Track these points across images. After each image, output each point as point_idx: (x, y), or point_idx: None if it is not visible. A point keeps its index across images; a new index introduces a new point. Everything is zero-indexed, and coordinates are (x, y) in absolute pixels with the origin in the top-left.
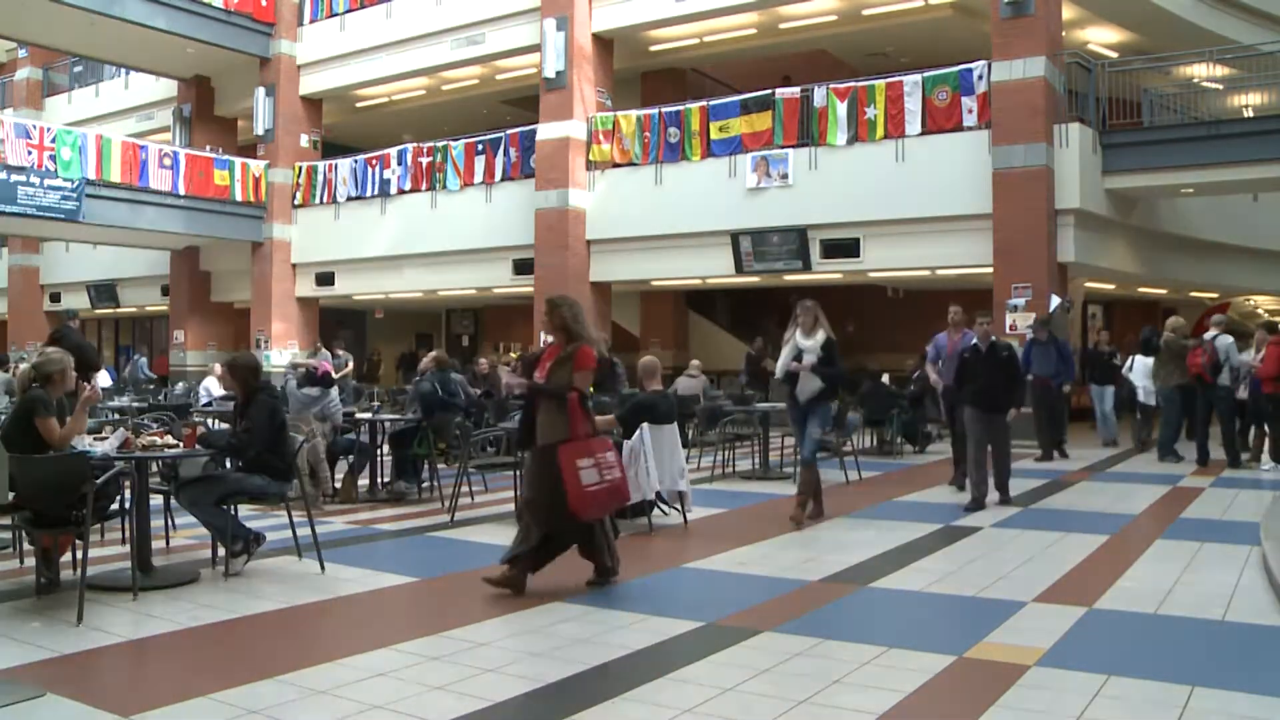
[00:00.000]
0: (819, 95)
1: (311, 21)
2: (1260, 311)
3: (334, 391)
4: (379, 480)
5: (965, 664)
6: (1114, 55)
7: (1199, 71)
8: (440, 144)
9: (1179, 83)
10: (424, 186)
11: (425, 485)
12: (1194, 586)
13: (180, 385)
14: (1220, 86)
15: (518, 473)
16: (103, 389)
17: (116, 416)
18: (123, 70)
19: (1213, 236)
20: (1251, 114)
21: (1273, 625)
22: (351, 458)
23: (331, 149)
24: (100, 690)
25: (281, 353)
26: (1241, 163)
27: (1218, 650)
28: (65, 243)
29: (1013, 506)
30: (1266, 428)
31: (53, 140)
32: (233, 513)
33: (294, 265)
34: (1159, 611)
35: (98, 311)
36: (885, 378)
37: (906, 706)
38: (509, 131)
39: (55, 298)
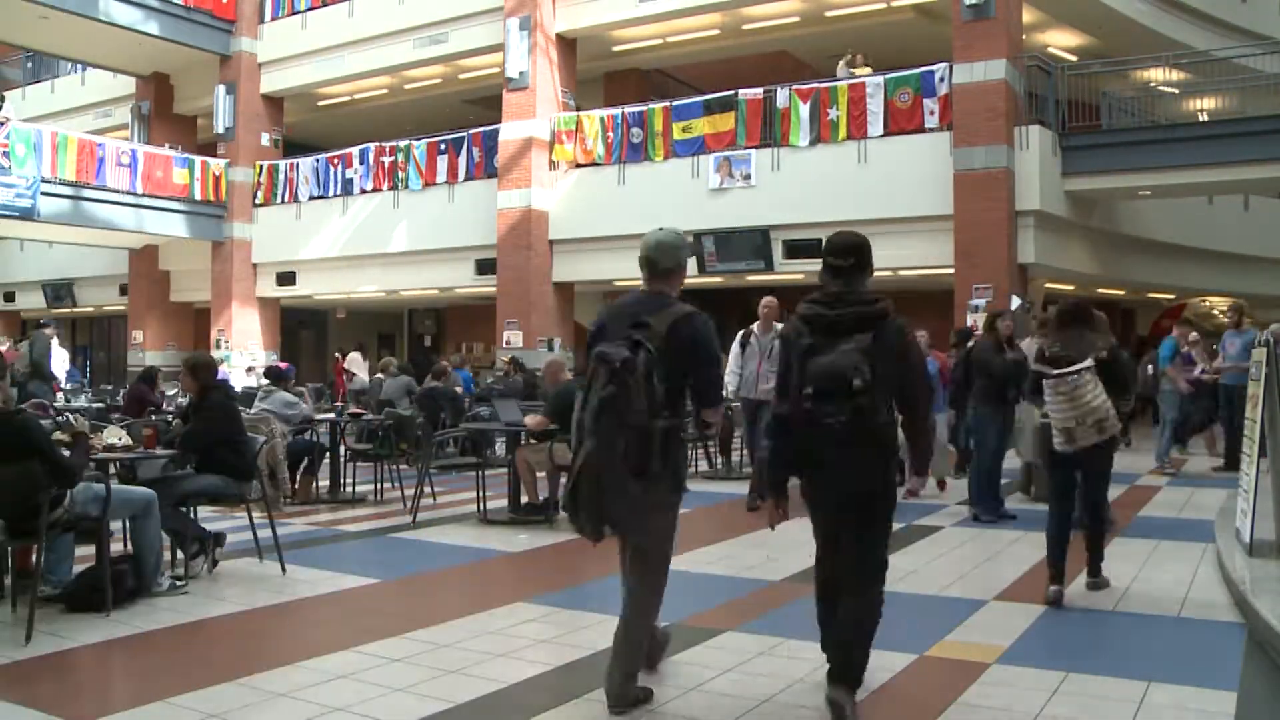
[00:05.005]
0: (782, 96)
1: (273, 19)
2: (1216, 312)
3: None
4: (340, 481)
5: (926, 662)
6: (1073, 59)
7: (1156, 75)
8: (403, 143)
9: (1136, 86)
10: (386, 186)
11: (386, 486)
12: (1150, 584)
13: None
14: (1176, 91)
15: (480, 473)
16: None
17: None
18: (79, 66)
19: (1170, 238)
20: (1206, 118)
21: (1226, 621)
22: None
23: (293, 148)
24: (55, 696)
25: (242, 354)
26: (1196, 165)
27: (1173, 646)
28: (20, 241)
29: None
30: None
31: (6, 137)
32: (192, 514)
33: (255, 265)
34: (1116, 609)
35: (54, 311)
36: None
37: (868, 705)
38: (471, 131)
39: (9, 297)
